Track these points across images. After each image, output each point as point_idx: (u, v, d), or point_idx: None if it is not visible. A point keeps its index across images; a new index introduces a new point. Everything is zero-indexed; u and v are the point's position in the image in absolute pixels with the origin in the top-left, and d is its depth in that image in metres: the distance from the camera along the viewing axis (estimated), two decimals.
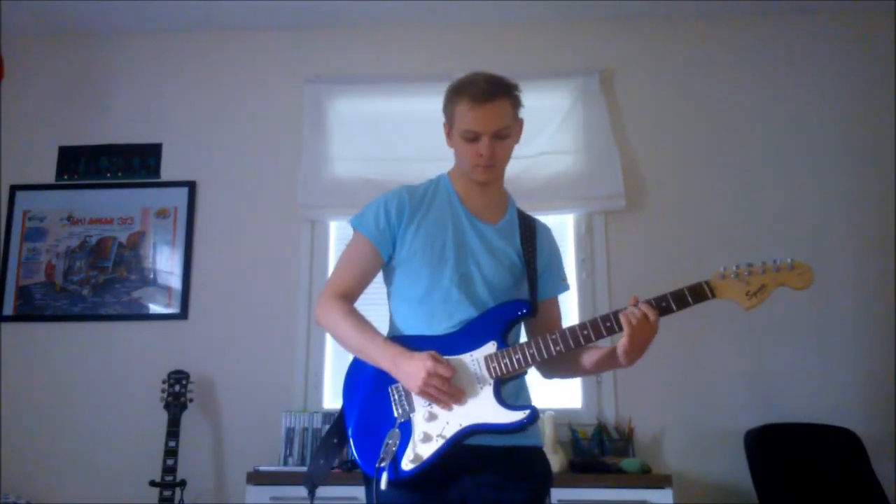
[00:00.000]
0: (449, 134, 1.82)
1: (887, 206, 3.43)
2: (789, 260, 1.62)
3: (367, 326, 1.71)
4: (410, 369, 1.59)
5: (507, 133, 1.76)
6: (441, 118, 1.85)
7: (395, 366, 1.62)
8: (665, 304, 1.61)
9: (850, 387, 3.25)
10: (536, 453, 1.73)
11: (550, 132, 3.52)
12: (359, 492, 2.65)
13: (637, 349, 1.62)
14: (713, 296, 1.62)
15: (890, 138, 3.50)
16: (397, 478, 1.57)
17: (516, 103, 1.78)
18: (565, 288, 1.91)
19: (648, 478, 2.88)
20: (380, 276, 1.85)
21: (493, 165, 1.76)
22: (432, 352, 1.61)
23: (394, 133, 3.55)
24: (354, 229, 1.81)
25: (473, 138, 1.73)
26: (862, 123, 3.54)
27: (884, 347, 3.29)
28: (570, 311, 3.34)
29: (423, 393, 1.59)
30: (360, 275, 1.78)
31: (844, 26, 3.65)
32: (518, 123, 1.81)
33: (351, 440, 1.67)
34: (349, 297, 1.76)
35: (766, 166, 3.52)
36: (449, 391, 1.59)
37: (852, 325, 3.33)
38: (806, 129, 3.55)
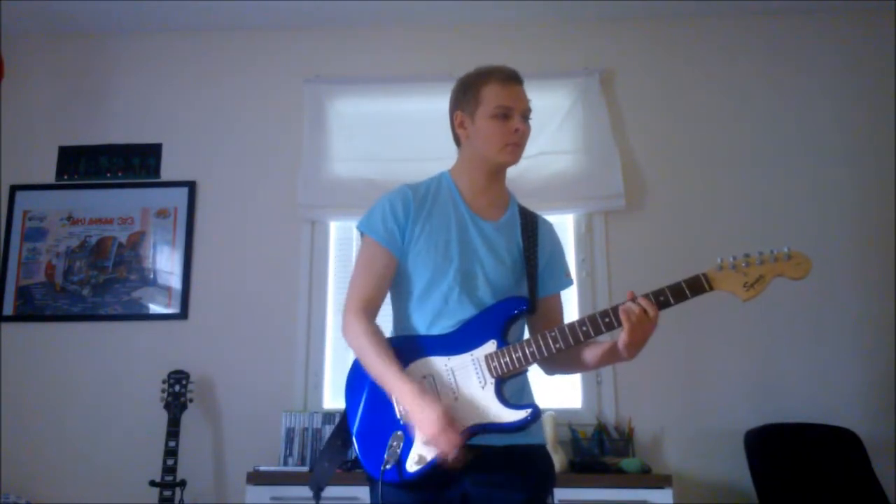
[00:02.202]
0: (462, 123, 1.81)
1: (888, 206, 3.43)
2: (786, 249, 1.61)
3: (386, 351, 1.65)
4: (428, 417, 1.54)
5: (529, 116, 1.80)
6: (442, 117, 1.85)
7: (416, 406, 1.56)
8: (663, 298, 1.61)
9: (850, 387, 3.25)
10: (539, 451, 1.73)
11: (550, 132, 3.52)
12: (360, 491, 2.67)
13: (637, 343, 1.61)
14: (710, 288, 1.61)
15: (890, 139, 3.50)
16: (402, 479, 1.57)
17: None
18: (568, 283, 1.90)
19: (648, 478, 2.88)
20: None
21: (521, 145, 1.78)
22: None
23: (394, 133, 3.55)
24: (363, 234, 1.79)
25: (506, 114, 1.75)
26: (862, 124, 3.54)
27: (884, 347, 3.29)
28: (570, 311, 3.32)
29: (431, 444, 1.55)
30: (378, 281, 1.75)
31: (844, 26, 3.65)
32: None
33: (355, 442, 1.67)
34: (373, 307, 1.73)
35: (766, 166, 3.52)
36: (454, 444, 1.54)
37: (853, 325, 3.33)
38: (806, 129, 3.55)
